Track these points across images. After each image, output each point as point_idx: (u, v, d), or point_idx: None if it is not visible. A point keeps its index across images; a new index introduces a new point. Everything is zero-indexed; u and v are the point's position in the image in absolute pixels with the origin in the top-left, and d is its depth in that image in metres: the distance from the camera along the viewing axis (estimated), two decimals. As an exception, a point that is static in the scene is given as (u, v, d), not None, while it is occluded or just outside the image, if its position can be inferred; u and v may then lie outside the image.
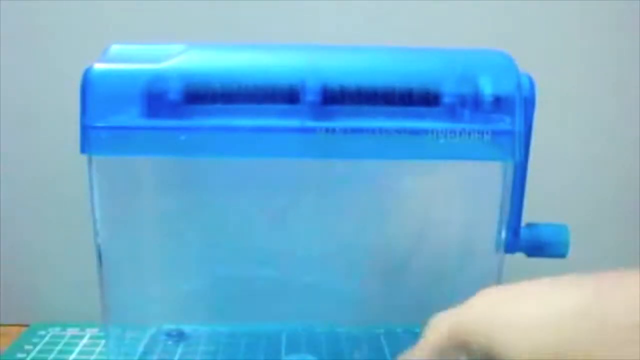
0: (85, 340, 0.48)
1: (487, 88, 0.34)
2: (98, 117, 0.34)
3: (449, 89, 0.34)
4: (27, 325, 0.51)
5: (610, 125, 0.55)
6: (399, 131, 0.34)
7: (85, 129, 0.34)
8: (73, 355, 0.46)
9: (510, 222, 0.39)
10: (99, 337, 0.48)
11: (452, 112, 0.34)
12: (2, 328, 0.51)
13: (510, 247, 0.39)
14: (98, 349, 0.47)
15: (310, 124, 0.34)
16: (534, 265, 0.45)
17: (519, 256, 0.40)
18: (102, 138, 0.34)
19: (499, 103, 0.34)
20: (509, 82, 0.34)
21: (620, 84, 0.54)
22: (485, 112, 0.34)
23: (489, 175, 0.37)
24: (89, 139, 0.34)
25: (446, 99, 0.34)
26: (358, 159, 0.37)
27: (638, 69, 0.52)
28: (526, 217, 0.39)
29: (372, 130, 0.34)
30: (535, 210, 0.42)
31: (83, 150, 0.35)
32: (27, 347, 0.47)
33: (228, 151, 0.35)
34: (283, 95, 0.34)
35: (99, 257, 0.38)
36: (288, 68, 0.34)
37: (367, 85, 0.34)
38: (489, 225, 0.38)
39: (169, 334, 0.47)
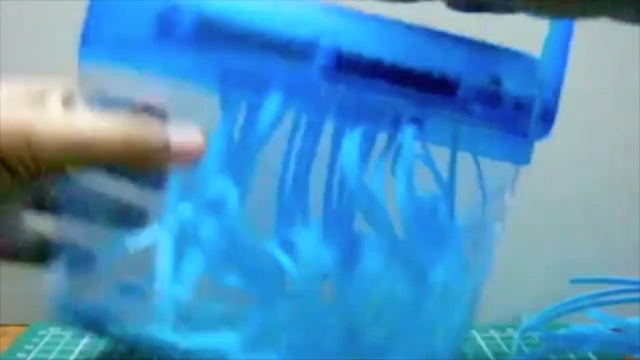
0: (85, 340, 0.48)
1: (509, 88, 0.33)
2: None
3: (468, 81, 0.33)
4: (27, 325, 0.51)
5: (610, 126, 0.55)
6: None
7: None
8: (73, 355, 0.46)
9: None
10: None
11: (467, 105, 0.33)
12: (2, 328, 0.51)
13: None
14: (98, 349, 0.47)
15: (320, 84, 0.33)
16: (532, 265, 0.45)
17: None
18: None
19: (519, 106, 0.34)
20: (531, 86, 0.34)
21: (620, 84, 0.54)
22: (502, 112, 0.34)
23: (494, 174, 0.37)
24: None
25: (462, 91, 0.33)
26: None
27: (638, 69, 0.52)
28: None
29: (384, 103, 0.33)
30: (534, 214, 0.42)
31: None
32: (27, 347, 0.47)
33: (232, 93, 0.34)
34: (295, 50, 0.33)
35: (99, 256, 0.38)
36: (305, 23, 0.33)
37: (384, 59, 0.33)
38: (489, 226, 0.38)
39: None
